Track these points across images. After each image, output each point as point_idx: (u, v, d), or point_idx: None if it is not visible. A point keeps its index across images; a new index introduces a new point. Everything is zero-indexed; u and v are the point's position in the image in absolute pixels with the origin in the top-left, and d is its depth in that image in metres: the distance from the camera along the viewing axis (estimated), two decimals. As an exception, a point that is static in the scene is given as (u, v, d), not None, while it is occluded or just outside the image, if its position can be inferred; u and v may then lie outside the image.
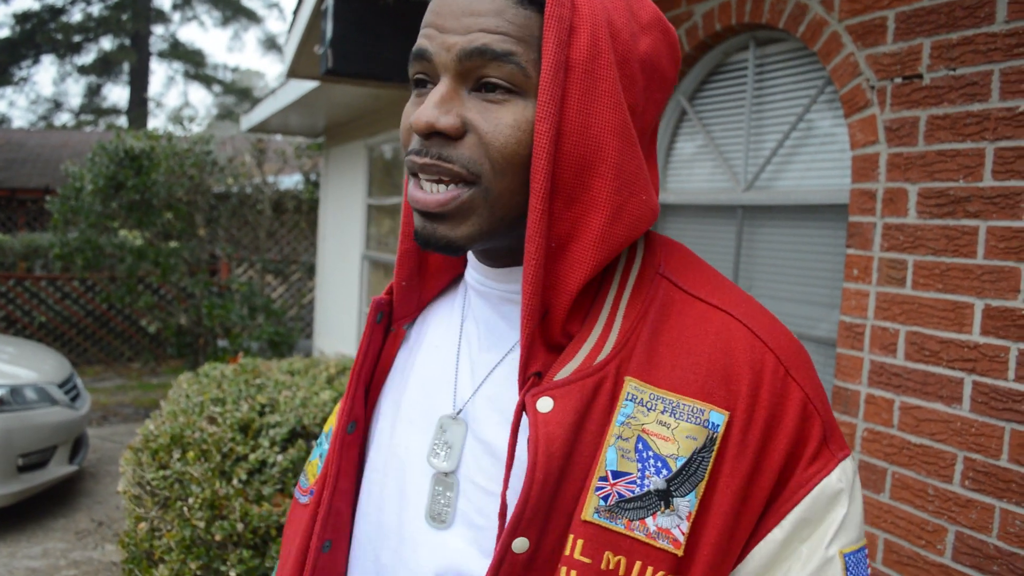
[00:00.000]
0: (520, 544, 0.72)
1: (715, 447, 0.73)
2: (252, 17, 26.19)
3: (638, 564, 0.71)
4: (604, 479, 0.72)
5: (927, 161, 2.24)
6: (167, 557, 2.53)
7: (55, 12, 21.85)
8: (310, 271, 10.14)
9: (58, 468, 5.05)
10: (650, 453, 0.73)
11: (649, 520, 0.72)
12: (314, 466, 0.99)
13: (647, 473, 0.72)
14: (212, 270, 9.70)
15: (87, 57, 23.06)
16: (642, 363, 0.76)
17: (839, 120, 2.70)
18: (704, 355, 0.76)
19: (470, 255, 0.91)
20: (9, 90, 23.16)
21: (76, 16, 22.23)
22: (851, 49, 2.47)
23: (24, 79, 22.72)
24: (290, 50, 5.10)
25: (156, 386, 8.98)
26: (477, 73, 0.74)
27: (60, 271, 9.42)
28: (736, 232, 3.14)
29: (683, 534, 0.71)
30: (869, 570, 0.79)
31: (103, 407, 7.90)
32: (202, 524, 2.53)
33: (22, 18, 21.44)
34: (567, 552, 0.72)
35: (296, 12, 4.86)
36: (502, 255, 0.85)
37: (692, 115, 3.37)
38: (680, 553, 0.71)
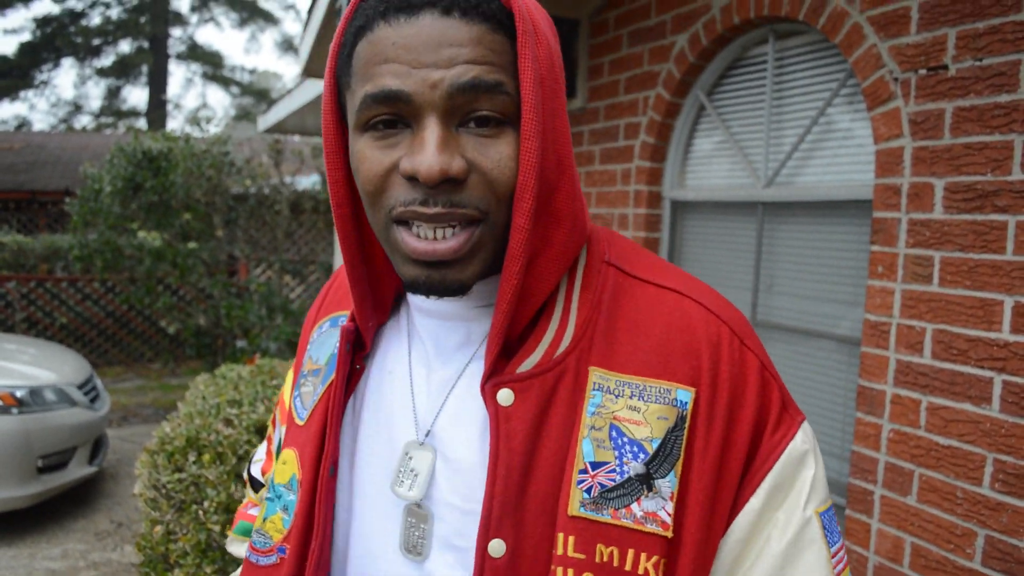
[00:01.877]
0: (496, 547, 0.72)
1: (686, 424, 0.74)
2: (269, 18, 26.30)
3: (631, 552, 0.71)
4: (584, 471, 0.73)
5: (953, 154, 2.18)
6: (183, 561, 2.51)
7: (75, 16, 22.05)
8: (327, 271, 10.14)
9: (78, 469, 5.06)
10: (625, 439, 0.73)
11: (635, 506, 0.72)
12: (276, 522, 0.90)
13: (625, 459, 0.73)
14: (230, 271, 9.72)
15: (106, 60, 23.28)
16: (603, 352, 0.77)
17: (862, 114, 2.64)
18: (662, 335, 0.77)
19: None
20: (30, 93, 23.38)
21: (95, 19, 22.45)
22: (873, 40, 2.41)
23: (45, 82, 22.96)
24: (305, 49, 5.08)
25: (176, 387, 9.01)
26: (468, 108, 0.70)
27: (80, 272, 9.47)
28: (757, 229, 3.08)
29: (669, 515, 0.72)
30: (839, 527, 0.81)
31: (123, 408, 7.94)
32: (217, 528, 2.51)
33: (42, 22, 21.65)
34: (559, 552, 0.71)
35: (311, 11, 4.84)
36: None
37: (711, 110, 3.31)
38: (670, 535, 0.71)
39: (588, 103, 3.91)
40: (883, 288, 2.37)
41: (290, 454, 0.92)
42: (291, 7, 35.04)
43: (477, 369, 0.82)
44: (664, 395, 0.75)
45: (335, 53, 0.78)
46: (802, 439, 0.78)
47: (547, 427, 0.74)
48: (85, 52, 22.56)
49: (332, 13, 3.98)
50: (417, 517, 0.80)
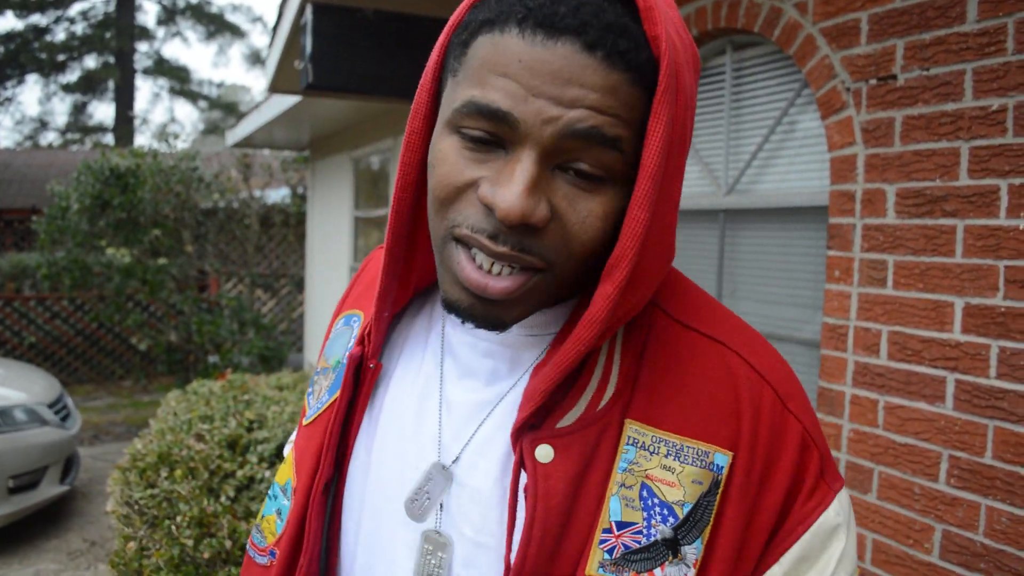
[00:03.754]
0: None
1: (719, 490, 0.69)
2: (236, 32, 26.18)
3: None
4: (608, 531, 0.68)
5: (904, 161, 2.25)
6: (156, 577, 2.51)
7: (39, 31, 21.83)
8: (299, 284, 10.13)
9: (49, 489, 5.02)
10: (655, 501, 0.68)
11: (657, 571, 0.67)
12: (271, 523, 0.86)
13: (653, 522, 0.68)
14: (201, 286, 9.68)
15: (72, 75, 23.05)
16: (643, 404, 0.71)
17: (817, 122, 2.71)
18: (705, 393, 0.71)
19: None
20: (-6, 110, 23.11)
21: (60, 35, 22.23)
22: (826, 51, 2.49)
23: (9, 99, 22.68)
24: (271, 65, 5.10)
25: (147, 404, 8.94)
26: (573, 155, 0.63)
27: (48, 291, 9.39)
28: (719, 236, 3.15)
29: None
30: None
31: (94, 426, 7.86)
32: (190, 542, 2.52)
33: (5, 38, 21.42)
34: None
35: (276, 28, 4.86)
36: None
37: (673, 120, 3.38)
38: None
39: (554, 114, 3.97)
40: (840, 292, 2.44)
41: (291, 456, 0.88)
42: (258, 20, 34.97)
43: (515, 399, 0.75)
44: (702, 457, 0.69)
45: (451, 30, 0.70)
46: (836, 511, 0.72)
47: (586, 485, 0.69)
48: (50, 68, 22.33)
49: (297, 29, 4.01)
50: (435, 545, 0.74)
